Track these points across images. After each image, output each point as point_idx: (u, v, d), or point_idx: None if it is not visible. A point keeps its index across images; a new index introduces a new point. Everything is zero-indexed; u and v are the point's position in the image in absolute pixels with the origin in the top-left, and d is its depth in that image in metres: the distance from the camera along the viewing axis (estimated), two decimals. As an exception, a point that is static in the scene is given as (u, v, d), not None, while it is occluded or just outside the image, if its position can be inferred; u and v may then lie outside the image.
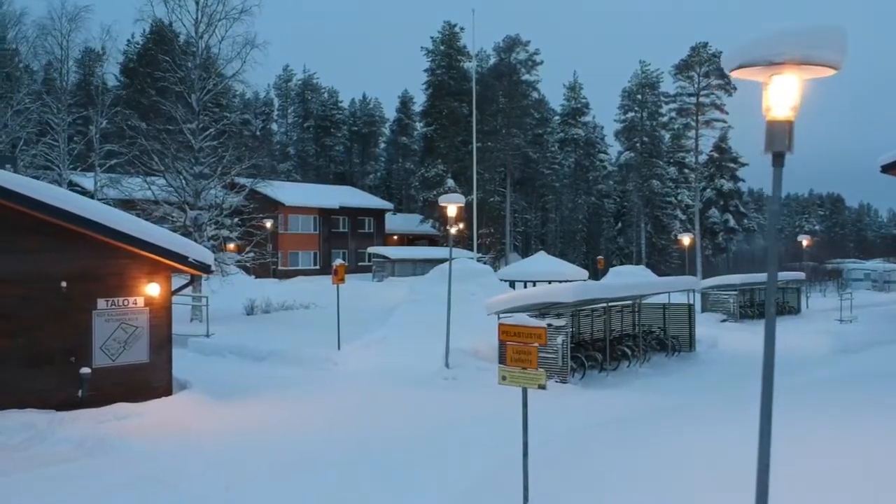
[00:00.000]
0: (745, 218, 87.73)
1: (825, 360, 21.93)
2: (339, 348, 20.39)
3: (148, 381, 14.58)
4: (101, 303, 14.04)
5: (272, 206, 56.01)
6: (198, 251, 15.01)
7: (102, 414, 13.30)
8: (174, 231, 29.51)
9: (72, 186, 41.65)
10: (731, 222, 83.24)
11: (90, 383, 13.68)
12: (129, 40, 69.25)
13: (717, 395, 15.35)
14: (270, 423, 13.56)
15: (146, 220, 29.48)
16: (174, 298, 26.50)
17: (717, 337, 26.52)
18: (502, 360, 19.58)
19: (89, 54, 53.43)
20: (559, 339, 18.29)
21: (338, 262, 20.96)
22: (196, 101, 30.13)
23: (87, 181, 42.10)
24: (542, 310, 20.49)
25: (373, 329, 22.90)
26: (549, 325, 18.84)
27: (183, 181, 29.58)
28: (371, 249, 61.19)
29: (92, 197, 39.74)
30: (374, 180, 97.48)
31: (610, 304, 21.43)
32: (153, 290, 14.61)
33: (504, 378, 8.05)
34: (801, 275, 42.31)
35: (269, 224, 49.24)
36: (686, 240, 41.65)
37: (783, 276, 41.06)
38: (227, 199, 30.73)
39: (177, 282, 15.91)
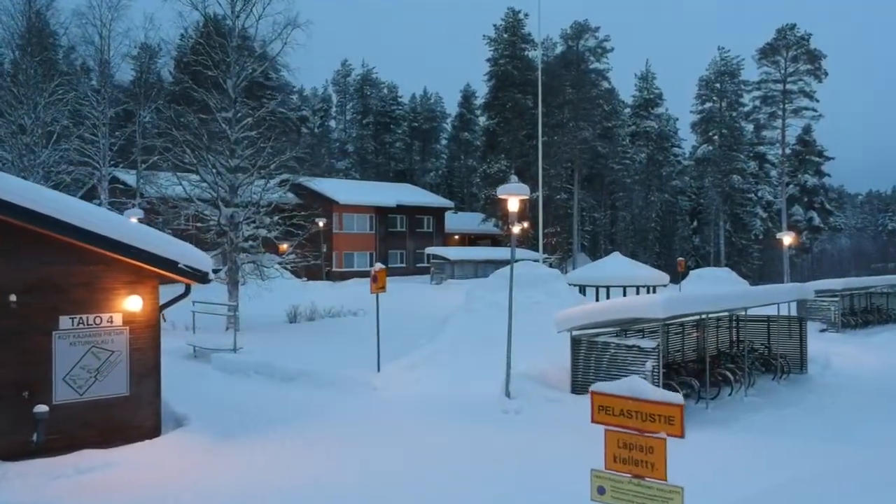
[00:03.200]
0: (831, 216, 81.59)
1: None
2: (378, 369, 17.08)
3: (127, 419, 11.58)
4: (64, 321, 11.07)
5: (326, 205, 53.46)
6: (192, 255, 11.90)
7: (60, 465, 10.37)
8: (207, 230, 26.79)
9: (113, 183, 39.67)
10: (816, 220, 77.41)
11: (49, 424, 10.71)
12: (182, 34, 67.62)
13: (873, 448, 11.55)
14: (276, 479, 10.35)
15: (175, 217, 27.07)
16: (203, 306, 24.05)
17: (828, 354, 22.33)
18: (575, 389, 16.16)
19: (146, 50, 51.69)
20: (648, 365, 14.63)
21: (378, 266, 17.52)
22: (232, 88, 27.29)
23: (130, 178, 40.01)
24: (624, 326, 16.87)
25: (421, 343, 19.56)
26: (635, 346, 15.22)
27: (217, 175, 26.73)
28: (430, 250, 57.70)
29: (134, 195, 37.61)
30: (434, 178, 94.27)
31: (704, 317, 17.55)
32: (134, 304, 11.57)
33: (601, 491, 4.49)
34: (910, 277, 37.64)
35: (321, 223, 46.51)
36: (787, 239, 37.03)
37: (889, 279, 36.69)
38: (264, 195, 27.72)
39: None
